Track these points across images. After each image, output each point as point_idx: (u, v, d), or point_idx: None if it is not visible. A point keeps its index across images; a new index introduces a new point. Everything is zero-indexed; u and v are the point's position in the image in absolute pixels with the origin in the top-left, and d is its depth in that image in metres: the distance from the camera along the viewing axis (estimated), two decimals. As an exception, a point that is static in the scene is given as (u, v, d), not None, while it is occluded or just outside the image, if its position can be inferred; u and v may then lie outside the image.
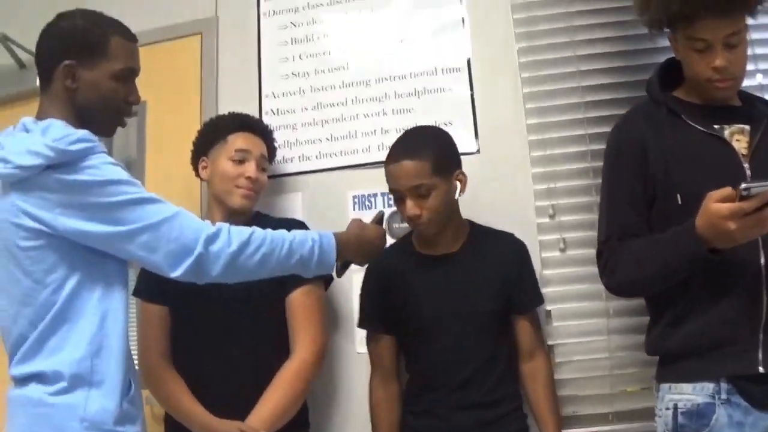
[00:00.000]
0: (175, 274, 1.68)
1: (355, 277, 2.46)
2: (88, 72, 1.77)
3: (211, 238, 1.69)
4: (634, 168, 1.94)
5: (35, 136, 1.64)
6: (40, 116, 1.76)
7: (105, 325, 1.67)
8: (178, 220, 1.69)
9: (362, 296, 2.39)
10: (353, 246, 1.96)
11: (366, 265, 2.21)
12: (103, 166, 1.66)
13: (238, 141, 2.41)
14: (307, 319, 2.30)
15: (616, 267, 1.93)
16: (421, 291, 2.24)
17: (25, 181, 1.63)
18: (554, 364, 2.34)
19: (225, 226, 1.74)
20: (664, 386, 1.89)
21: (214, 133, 2.46)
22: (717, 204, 1.63)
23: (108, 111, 1.82)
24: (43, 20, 1.91)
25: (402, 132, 2.33)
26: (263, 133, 2.51)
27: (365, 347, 2.38)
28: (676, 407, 1.83)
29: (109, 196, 1.64)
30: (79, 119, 1.76)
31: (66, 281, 1.65)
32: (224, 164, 2.38)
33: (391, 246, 2.38)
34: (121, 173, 1.69)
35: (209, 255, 1.68)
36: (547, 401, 2.23)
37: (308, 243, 1.83)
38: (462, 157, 2.29)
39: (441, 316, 2.21)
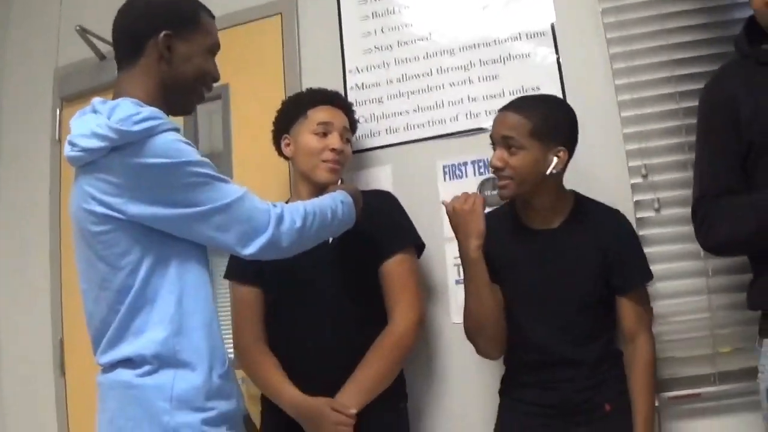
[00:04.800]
0: (248, 252, 1.70)
1: (448, 247, 2.47)
2: (183, 44, 1.78)
3: (280, 219, 1.73)
4: (726, 124, 1.92)
5: (101, 117, 1.62)
6: (117, 94, 1.74)
7: (183, 303, 1.67)
8: (246, 201, 1.70)
9: None
10: (357, 196, 2.08)
11: None
12: (170, 146, 1.63)
13: (319, 114, 2.41)
14: (403, 288, 2.30)
15: (712, 226, 1.90)
16: (517, 263, 2.20)
17: (92, 164, 1.63)
18: (653, 326, 2.27)
19: (284, 206, 1.78)
20: (767, 341, 1.86)
21: (294, 109, 2.47)
22: None
23: (196, 85, 1.83)
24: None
25: (489, 101, 2.36)
26: (343, 104, 2.51)
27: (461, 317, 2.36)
28: None
29: (178, 178, 1.63)
30: (164, 94, 1.77)
31: (140, 264, 1.64)
32: (308, 139, 2.38)
33: (493, 212, 2.35)
34: (189, 153, 1.66)
35: (280, 234, 1.72)
36: (642, 390, 2.12)
37: (339, 204, 1.95)
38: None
39: (535, 292, 2.16)
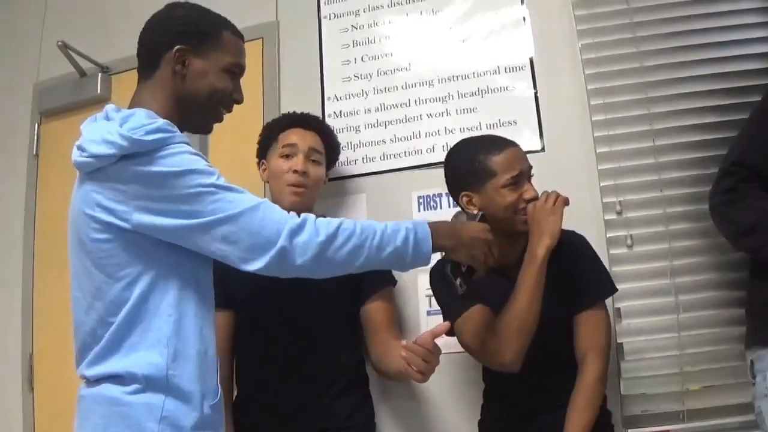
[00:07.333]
0: (255, 267, 1.58)
1: (420, 278, 2.47)
2: (199, 60, 1.74)
3: (296, 230, 1.58)
4: None
5: (113, 124, 1.59)
6: (132, 105, 1.72)
7: (182, 328, 1.60)
8: (259, 211, 1.59)
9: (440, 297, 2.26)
10: (447, 234, 1.76)
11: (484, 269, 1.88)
12: (179, 156, 1.59)
13: (287, 137, 2.40)
14: (393, 325, 2.34)
15: (735, 204, 1.97)
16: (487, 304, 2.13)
17: (100, 171, 1.59)
18: (623, 362, 2.30)
19: (311, 217, 1.63)
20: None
21: (268, 135, 2.48)
22: None
23: (211, 103, 1.78)
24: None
25: (466, 133, 2.40)
26: (315, 126, 2.49)
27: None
28: None
29: (185, 188, 1.56)
30: (178, 109, 1.73)
31: (139, 279, 1.59)
32: (275, 162, 2.38)
33: None
34: (199, 162, 1.61)
35: (294, 247, 1.57)
36: (577, 408, 2.02)
37: (401, 232, 1.67)
38: (527, 155, 2.29)
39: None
